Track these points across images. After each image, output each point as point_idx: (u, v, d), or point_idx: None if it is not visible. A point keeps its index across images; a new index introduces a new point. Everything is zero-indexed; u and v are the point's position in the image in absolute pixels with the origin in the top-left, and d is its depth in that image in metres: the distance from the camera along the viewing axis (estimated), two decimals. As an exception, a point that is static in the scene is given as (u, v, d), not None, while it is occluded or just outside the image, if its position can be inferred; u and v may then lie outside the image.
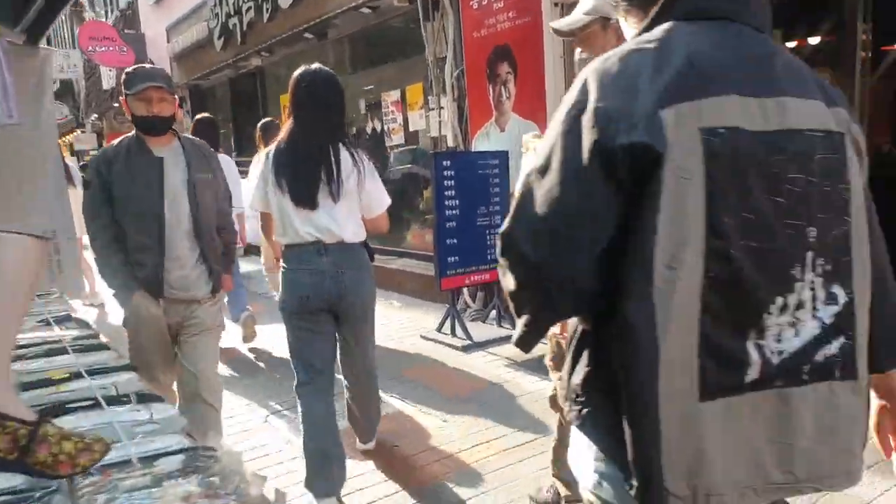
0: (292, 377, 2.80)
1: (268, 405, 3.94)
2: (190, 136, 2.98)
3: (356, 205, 2.70)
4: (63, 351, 2.03)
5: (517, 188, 1.04)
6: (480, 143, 5.87)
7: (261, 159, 2.83)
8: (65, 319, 2.52)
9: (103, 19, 17.13)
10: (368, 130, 7.63)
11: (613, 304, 0.96)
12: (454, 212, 4.92)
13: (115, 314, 2.82)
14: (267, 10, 8.22)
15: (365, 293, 2.78)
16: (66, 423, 1.43)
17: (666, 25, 1.02)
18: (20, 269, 1.30)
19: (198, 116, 5.40)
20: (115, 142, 2.79)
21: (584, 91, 0.98)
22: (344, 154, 2.65)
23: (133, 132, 2.75)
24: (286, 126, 2.70)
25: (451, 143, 6.09)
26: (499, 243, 1.03)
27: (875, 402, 1.18)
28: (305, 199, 2.60)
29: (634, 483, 0.96)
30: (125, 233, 2.66)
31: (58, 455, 1.23)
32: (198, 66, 11.20)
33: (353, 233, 2.70)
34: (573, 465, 1.19)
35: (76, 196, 4.07)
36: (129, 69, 2.73)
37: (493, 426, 3.47)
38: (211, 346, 2.91)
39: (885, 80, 5.25)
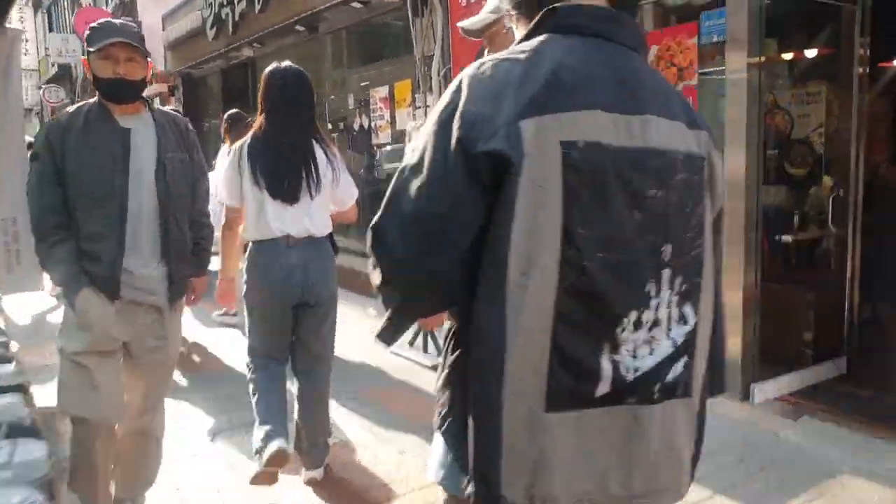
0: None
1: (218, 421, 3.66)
2: (164, 109, 2.51)
3: (328, 199, 2.74)
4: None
5: (392, 182, 1.02)
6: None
7: (229, 152, 2.80)
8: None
9: (104, 7, 17.17)
10: (356, 127, 7.49)
11: (471, 306, 0.96)
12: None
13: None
14: (259, 0, 8.09)
15: (331, 283, 2.79)
16: None
17: (543, 37, 1.02)
18: None
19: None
20: (73, 107, 2.28)
21: (458, 92, 0.98)
22: (318, 150, 2.68)
23: (95, 98, 2.25)
24: (258, 121, 2.70)
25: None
26: (368, 237, 1.01)
27: None
28: (286, 194, 2.60)
29: (471, 488, 0.97)
30: (77, 218, 2.18)
31: None
32: (191, 55, 11.08)
33: (324, 226, 2.74)
34: (429, 462, 1.19)
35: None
36: (94, 24, 2.24)
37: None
38: (168, 366, 2.49)
39: (883, 98, 5.08)
